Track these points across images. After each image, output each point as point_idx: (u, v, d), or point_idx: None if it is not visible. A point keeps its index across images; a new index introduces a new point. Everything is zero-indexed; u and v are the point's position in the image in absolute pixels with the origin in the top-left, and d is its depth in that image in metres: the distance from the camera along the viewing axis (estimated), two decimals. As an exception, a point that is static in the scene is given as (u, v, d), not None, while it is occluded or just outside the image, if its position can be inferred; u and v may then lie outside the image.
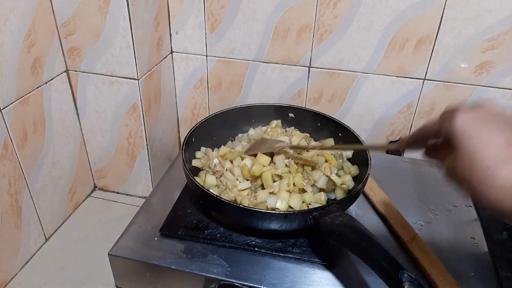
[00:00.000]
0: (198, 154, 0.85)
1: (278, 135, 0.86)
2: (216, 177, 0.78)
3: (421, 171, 0.94)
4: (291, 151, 0.79)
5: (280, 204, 0.70)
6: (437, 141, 0.47)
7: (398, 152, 1.04)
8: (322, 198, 0.74)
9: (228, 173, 0.78)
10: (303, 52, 0.97)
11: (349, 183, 0.78)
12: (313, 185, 0.76)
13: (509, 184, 0.37)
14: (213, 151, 0.85)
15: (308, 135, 0.89)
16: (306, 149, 0.80)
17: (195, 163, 0.83)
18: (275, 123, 0.93)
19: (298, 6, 0.91)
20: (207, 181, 0.77)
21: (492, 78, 0.90)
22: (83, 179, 1.06)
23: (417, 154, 1.04)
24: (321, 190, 0.76)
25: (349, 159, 0.85)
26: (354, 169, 0.80)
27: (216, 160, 0.78)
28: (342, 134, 0.87)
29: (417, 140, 0.50)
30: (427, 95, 0.96)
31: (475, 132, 0.40)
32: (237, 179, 0.77)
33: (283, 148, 0.79)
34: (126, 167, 1.05)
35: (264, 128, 0.92)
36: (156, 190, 0.87)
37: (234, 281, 0.66)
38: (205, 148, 0.86)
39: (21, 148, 0.83)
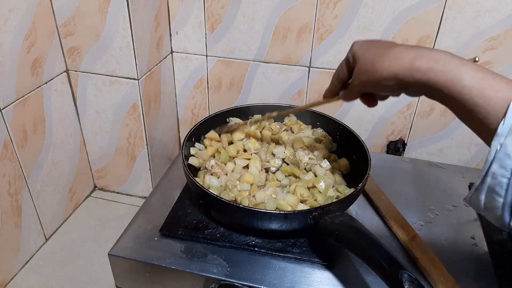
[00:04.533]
0: (192, 150, 0.84)
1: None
2: (217, 178, 0.78)
3: (421, 171, 0.94)
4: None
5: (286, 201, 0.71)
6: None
7: (398, 152, 1.04)
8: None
9: (228, 174, 0.78)
10: (303, 52, 0.97)
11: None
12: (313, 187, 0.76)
13: (397, 56, 0.50)
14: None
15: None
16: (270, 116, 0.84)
17: (191, 161, 0.82)
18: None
19: (298, 6, 0.91)
20: (206, 181, 0.77)
21: (492, 78, 0.90)
22: (83, 179, 1.06)
23: (417, 154, 1.04)
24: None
25: (348, 158, 0.85)
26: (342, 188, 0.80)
27: (212, 162, 0.78)
28: (342, 134, 0.87)
29: (338, 83, 0.63)
30: (427, 95, 0.96)
31: (367, 45, 0.56)
32: (237, 180, 0.76)
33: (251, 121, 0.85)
34: (126, 167, 1.05)
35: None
36: (156, 190, 0.87)
37: (234, 281, 0.66)
38: (199, 144, 0.85)
39: (21, 148, 0.83)
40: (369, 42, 0.57)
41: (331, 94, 0.65)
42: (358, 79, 0.56)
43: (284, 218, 0.66)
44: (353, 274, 0.68)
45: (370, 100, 0.61)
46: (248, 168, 0.79)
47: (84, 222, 1.01)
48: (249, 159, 0.80)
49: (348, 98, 0.62)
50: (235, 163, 0.80)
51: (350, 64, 0.59)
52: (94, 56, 0.89)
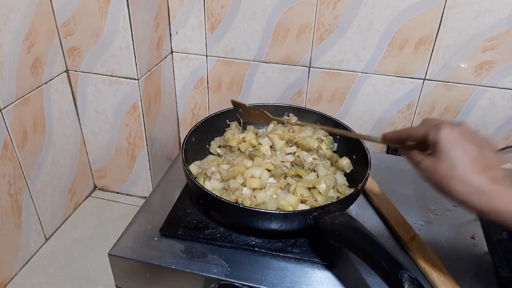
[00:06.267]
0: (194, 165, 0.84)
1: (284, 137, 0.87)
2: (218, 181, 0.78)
3: (421, 171, 0.94)
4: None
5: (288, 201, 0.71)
6: (414, 143, 0.57)
7: (398, 152, 1.04)
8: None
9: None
10: (303, 52, 0.97)
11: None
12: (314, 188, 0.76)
13: (475, 187, 0.47)
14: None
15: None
16: (289, 123, 0.84)
17: (191, 168, 0.82)
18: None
19: (298, 6, 0.91)
20: (207, 184, 0.76)
21: (492, 78, 0.90)
22: (83, 179, 1.06)
23: (417, 154, 1.04)
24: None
25: (348, 158, 0.85)
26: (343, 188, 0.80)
27: (213, 168, 0.78)
28: (342, 134, 0.87)
29: (401, 139, 0.59)
30: (427, 95, 0.96)
31: (456, 145, 0.49)
32: (242, 184, 0.76)
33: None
34: (126, 167, 1.05)
35: (261, 130, 0.93)
36: (156, 190, 0.87)
37: (234, 281, 0.66)
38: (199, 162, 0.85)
39: (21, 148, 0.83)
40: (464, 141, 0.50)
41: (389, 141, 0.62)
42: (433, 179, 0.52)
43: (284, 218, 0.66)
44: (353, 274, 0.68)
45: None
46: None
47: (84, 222, 1.01)
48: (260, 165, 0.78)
49: (403, 154, 0.58)
50: (243, 174, 0.77)
51: (425, 146, 0.53)
52: (94, 56, 0.89)
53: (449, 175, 0.49)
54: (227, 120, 0.91)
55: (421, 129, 0.55)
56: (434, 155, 0.51)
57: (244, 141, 0.85)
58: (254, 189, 0.74)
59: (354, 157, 0.84)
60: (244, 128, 0.93)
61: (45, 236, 0.95)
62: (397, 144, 0.60)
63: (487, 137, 0.53)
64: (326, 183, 0.74)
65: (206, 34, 1.01)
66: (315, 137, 0.87)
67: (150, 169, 1.04)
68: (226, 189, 0.75)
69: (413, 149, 0.56)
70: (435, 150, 0.51)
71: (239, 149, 0.84)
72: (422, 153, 0.54)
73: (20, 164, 0.83)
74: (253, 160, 0.79)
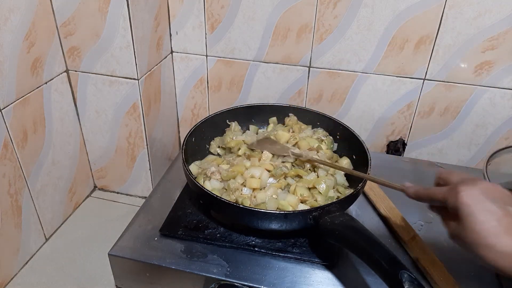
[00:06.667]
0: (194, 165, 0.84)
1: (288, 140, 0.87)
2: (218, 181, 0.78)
3: (421, 171, 0.94)
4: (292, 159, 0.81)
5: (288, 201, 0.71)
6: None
7: (398, 152, 1.04)
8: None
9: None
10: (303, 52, 0.97)
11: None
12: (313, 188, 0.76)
13: (505, 251, 0.45)
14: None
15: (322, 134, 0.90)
16: (311, 162, 0.79)
17: (191, 168, 0.82)
18: (272, 121, 0.93)
19: (298, 6, 0.91)
20: (207, 184, 0.77)
21: (492, 78, 0.90)
22: (83, 179, 1.06)
23: (417, 154, 1.04)
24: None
25: (348, 158, 0.85)
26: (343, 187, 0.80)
27: (213, 168, 0.78)
28: (342, 134, 0.87)
29: (423, 200, 0.58)
30: (427, 95, 0.96)
31: (477, 207, 0.47)
32: (242, 184, 0.76)
33: (287, 155, 0.80)
34: (126, 167, 1.05)
35: (261, 130, 0.93)
36: (156, 190, 0.87)
37: (234, 281, 0.66)
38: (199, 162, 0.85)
39: (21, 148, 0.83)
40: (485, 202, 0.48)
41: (415, 198, 0.60)
42: (462, 245, 0.50)
43: (284, 218, 0.66)
44: (353, 274, 0.68)
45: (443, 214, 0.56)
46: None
47: (84, 222, 1.01)
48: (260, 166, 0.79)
49: (432, 210, 0.59)
50: (243, 175, 0.77)
51: (447, 210, 0.52)
52: (94, 56, 0.89)
53: (476, 243, 0.47)
54: (227, 120, 0.91)
55: (440, 192, 0.53)
56: (458, 220, 0.49)
57: (245, 143, 0.85)
58: (254, 189, 0.74)
59: (354, 157, 0.84)
60: (244, 128, 0.93)
61: (45, 236, 0.95)
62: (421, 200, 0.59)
63: (506, 189, 0.50)
64: (326, 183, 0.74)
65: (206, 34, 1.01)
66: (315, 137, 0.87)
67: (150, 169, 1.04)
68: (226, 189, 0.75)
69: (442, 208, 0.54)
70: (457, 216, 0.50)
71: (239, 149, 0.84)
72: (449, 214, 0.52)
73: (20, 164, 0.83)
74: (250, 160, 0.79)
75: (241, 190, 0.74)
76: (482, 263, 0.47)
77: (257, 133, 0.91)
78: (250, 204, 0.71)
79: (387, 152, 1.05)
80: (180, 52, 1.05)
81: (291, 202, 0.71)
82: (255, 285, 0.66)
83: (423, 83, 0.95)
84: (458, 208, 0.49)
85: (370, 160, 0.76)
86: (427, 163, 0.97)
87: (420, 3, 0.86)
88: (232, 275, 0.67)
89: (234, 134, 0.88)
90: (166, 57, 1.03)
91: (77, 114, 0.99)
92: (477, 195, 0.48)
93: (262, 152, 0.81)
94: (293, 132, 0.88)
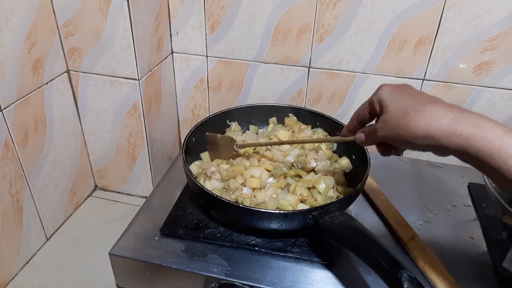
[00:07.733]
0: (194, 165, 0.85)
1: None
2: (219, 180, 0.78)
3: (421, 171, 0.94)
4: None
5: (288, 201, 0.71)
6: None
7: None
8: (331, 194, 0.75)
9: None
10: (303, 53, 0.97)
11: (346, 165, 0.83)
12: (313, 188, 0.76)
13: (427, 121, 0.47)
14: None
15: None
16: (269, 144, 0.81)
17: (191, 168, 0.82)
18: (272, 121, 0.94)
19: (298, 6, 0.92)
20: (207, 183, 0.77)
21: (491, 79, 0.90)
22: (84, 179, 1.07)
23: (417, 154, 1.05)
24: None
25: (348, 158, 0.85)
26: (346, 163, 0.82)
27: (213, 168, 0.78)
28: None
29: (356, 120, 0.60)
30: (427, 95, 0.96)
31: (397, 93, 0.53)
32: (242, 184, 0.76)
33: (241, 146, 0.81)
34: (126, 167, 1.05)
35: (261, 130, 0.93)
36: (156, 190, 0.87)
37: (234, 280, 0.66)
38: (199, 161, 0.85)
39: (22, 148, 0.83)
40: (399, 90, 0.53)
41: (349, 133, 0.62)
42: (385, 131, 0.52)
43: (284, 218, 0.66)
44: (353, 273, 0.68)
45: (387, 149, 0.58)
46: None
47: (85, 222, 1.01)
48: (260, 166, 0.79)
49: (365, 143, 0.59)
50: (243, 174, 0.78)
51: (374, 110, 0.56)
52: (95, 56, 0.89)
53: (402, 115, 0.49)
54: (227, 120, 0.92)
55: (365, 102, 0.58)
56: (382, 113, 0.53)
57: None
58: (254, 189, 0.74)
59: (353, 157, 0.84)
60: (244, 129, 0.93)
61: (46, 236, 0.95)
62: (357, 131, 0.60)
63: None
64: (326, 183, 0.74)
65: (206, 34, 1.01)
66: (315, 137, 0.87)
67: (150, 169, 1.04)
68: (226, 189, 0.75)
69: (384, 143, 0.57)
70: (382, 109, 0.53)
71: None
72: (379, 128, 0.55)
73: (21, 164, 0.83)
74: (249, 160, 0.80)
75: (241, 189, 0.74)
76: (415, 137, 0.48)
77: (257, 133, 0.92)
78: (250, 204, 0.72)
79: (387, 152, 1.05)
80: (181, 53, 1.06)
81: (291, 202, 0.71)
82: (255, 285, 0.66)
83: (422, 84, 0.95)
84: (381, 97, 0.54)
85: (370, 160, 0.76)
86: (426, 163, 0.97)
87: (419, 4, 0.86)
88: (232, 274, 0.67)
89: (234, 134, 0.88)
90: (166, 57, 1.03)
91: (78, 114, 0.99)
92: (395, 87, 0.54)
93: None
94: (293, 132, 0.88)
